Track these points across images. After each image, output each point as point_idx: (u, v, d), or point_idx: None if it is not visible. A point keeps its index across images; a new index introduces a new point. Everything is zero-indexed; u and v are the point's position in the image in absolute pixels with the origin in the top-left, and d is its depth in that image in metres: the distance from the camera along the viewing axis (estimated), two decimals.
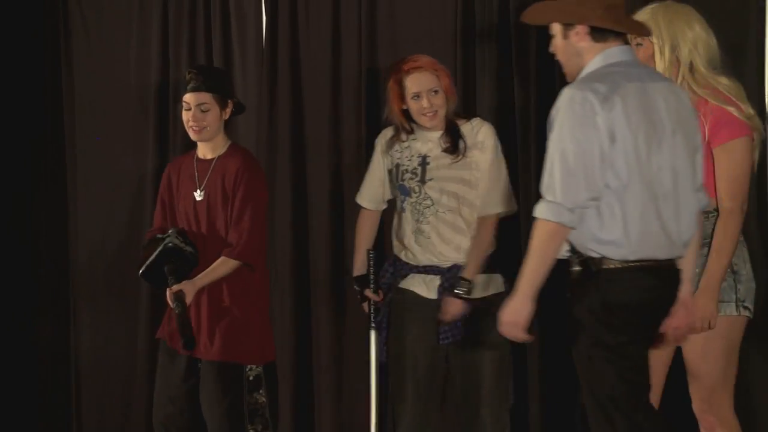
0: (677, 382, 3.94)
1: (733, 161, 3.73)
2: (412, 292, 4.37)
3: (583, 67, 3.46)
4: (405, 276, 4.39)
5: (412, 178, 4.34)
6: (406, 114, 4.31)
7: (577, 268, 3.44)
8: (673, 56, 3.75)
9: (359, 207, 4.55)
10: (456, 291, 4.26)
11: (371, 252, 4.50)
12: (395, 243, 4.45)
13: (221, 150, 4.47)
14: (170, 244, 4.32)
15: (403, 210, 4.38)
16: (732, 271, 3.78)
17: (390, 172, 4.43)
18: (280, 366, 5.41)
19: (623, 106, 3.33)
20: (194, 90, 4.37)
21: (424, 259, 4.33)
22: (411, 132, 4.36)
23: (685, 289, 3.53)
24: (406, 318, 4.37)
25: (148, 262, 4.35)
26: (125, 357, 5.71)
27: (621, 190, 3.34)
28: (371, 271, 4.48)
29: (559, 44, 3.51)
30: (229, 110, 4.46)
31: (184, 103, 4.41)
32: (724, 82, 3.77)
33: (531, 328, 3.45)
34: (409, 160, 4.36)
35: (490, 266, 4.35)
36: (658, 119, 3.39)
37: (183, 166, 4.53)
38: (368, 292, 4.48)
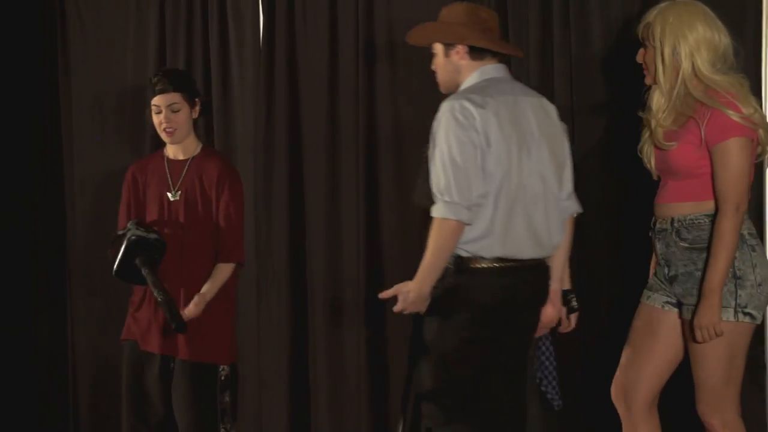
0: (684, 384, 3.92)
1: (726, 163, 3.70)
2: None
3: (461, 83, 3.87)
4: None
5: None
6: None
7: (449, 265, 3.73)
8: (673, 59, 3.75)
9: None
10: (572, 306, 4.10)
11: None
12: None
13: (194, 151, 4.53)
14: (133, 237, 4.33)
15: None
16: (733, 276, 3.73)
17: None
18: (277, 368, 5.42)
19: (496, 116, 3.70)
20: (163, 92, 4.42)
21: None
22: None
23: (553, 287, 3.93)
24: None
25: (117, 261, 4.37)
26: (122, 358, 5.70)
27: (492, 193, 3.69)
28: None
29: (440, 62, 3.91)
30: (197, 109, 4.52)
31: (153, 107, 4.46)
32: (724, 82, 3.72)
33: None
34: None
35: None
36: (527, 129, 3.77)
37: (150, 167, 4.56)
38: None
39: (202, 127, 5.49)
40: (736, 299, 3.73)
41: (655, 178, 3.91)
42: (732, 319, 3.73)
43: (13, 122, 5.77)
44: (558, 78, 4.81)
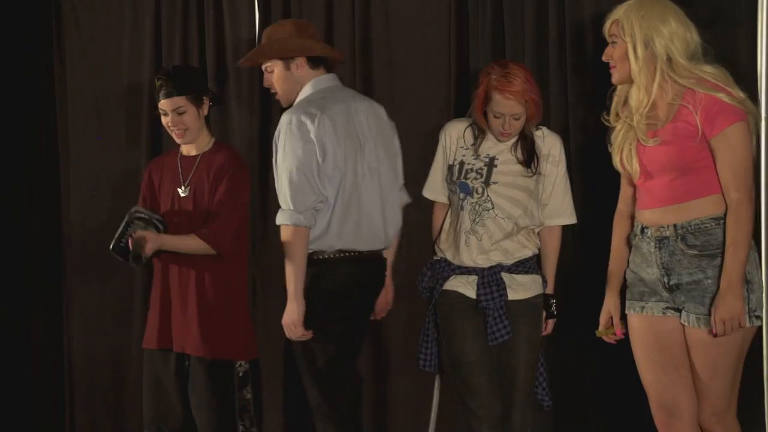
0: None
1: (734, 149, 3.57)
2: (456, 292, 4.33)
3: (299, 94, 4.23)
4: (447, 278, 4.34)
5: (476, 178, 4.29)
6: (485, 115, 4.26)
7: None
8: (648, 52, 3.62)
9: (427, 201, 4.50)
10: (551, 311, 4.38)
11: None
12: (443, 240, 4.39)
13: (206, 147, 4.54)
14: (137, 214, 4.41)
15: (461, 209, 4.32)
16: (745, 280, 3.60)
17: (451, 167, 4.36)
18: (273, 367, 5.40)
19: (332, 125, 4.11)
20: (167, 96, 4.43)
21: (468, 260, 4.30)
22: (484, 132, 4.31)
23: (388, 275, 4.42)
24: (456, 319, 4.32)
25: (118, 234, 4.40)
26: (118, 356, 5.71)
27: (331, 195, 4.13)
28: None
29: (280, 77, 4.25)
30: (206, 106, 4.52)
31: (160, 110, 4.48)
32: (708, 70, 3.62)
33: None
34: (475, 159, 4.30)
35: (532, 267, 4.36)
36: (361, 132, 4.22)
37: (166, 164, 4.59)
38: None
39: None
40: (748, 303, 3.61)
41: (635, 180, 3.76)
42: (748, 324, 3.61)
43: (9, 120, 5.76)
44: (553, 78, 4.82)
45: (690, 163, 3.62)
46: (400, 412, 5.37)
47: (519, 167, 4.27)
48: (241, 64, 4.48)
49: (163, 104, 4.45)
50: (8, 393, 5.76)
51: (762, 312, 3.64)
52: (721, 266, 3.58)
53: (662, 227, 3.68)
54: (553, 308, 4.39)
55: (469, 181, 4.29)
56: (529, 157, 4.27)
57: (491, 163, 4.28)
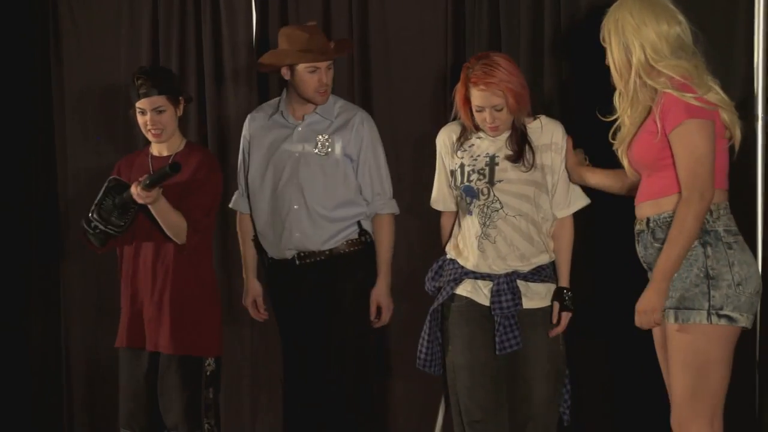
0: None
1: (684, 146, 3.55)
2: (467, 298, 4.19)
3: None
4: (458, 281, 4.21)
5: (480, 179, 4.16)
6: (472, 113, 4.17)
7: None
8: (625, 56, 3.65)
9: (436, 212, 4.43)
10: (566, 304, 4.18)
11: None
12: (453, 246, 4.27)
13: (178, 148, 4.59)
14: (113, 182, 4.43)
15: (469, 213, 4.19)
16: (706, 276, 3.54)
17: (453, 173, 4.26)
18: (272, 366, 5.40)
19: None
20: (147, 95, 4.46)
21: (483, 266, 4.16)
22: (477, 130, 4.21)
23: None
24: (462, 326, 4.19)
25: (96, 200, 4.43)
26: (116, 353, 5.68)
27: None
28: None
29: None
30: (181, 107, 4.56)
31: (138, 109, 4.50)
32: (677, 66, 3.60)
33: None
34: (475, 160, 4.19)
35: (549, 276, 4.21)
36: None
37: (136, 163, 4.62)
38: None
39: (195, 124, 5.50)
40: (709, 300, 3.54)
41: (632, 177, 3.82)
42: (705, 321, 3.53)
43: (6, 119, 5.77)
44: (546, 73, 4.82)
45: (656, 160, 3.64)
46: (401, 414, 5.35)
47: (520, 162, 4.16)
48: (339, 54, 4.69)
49: (143, 103, 4.48)
50: (6, 391, 5.77)
51: (731, 311, 3.54)
52: (689, 260, 3.58)
53: (640, 221, 3.73)
54: (568, 301, 4.18)
55: (472, 184, 4.17)
56: (520, 150, 4.13)
57: (492, 162, 4.16)
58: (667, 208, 3.63)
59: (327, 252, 4.61)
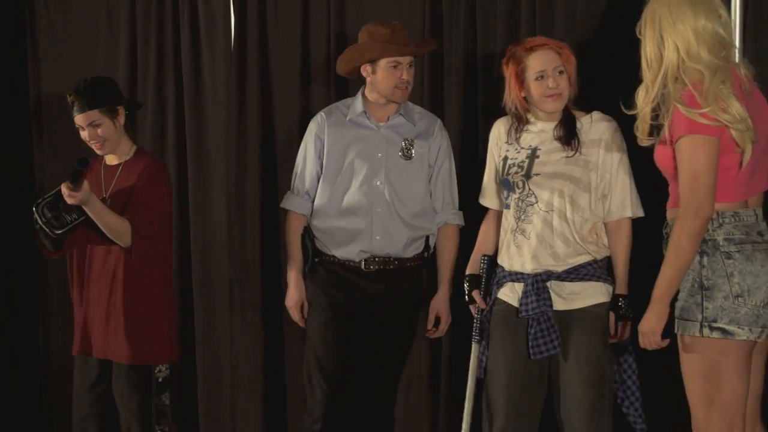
0: None
1: (681, 161, 3.43)
2: (505, 303, 4.11)
3: None
4: (501, 285, 4.12)
5: (517, 173, 4.05)
6: (525, 102, 4.05)
7: None
8: (658, 52, 3.52)
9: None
10: (621, 313, 3.98)
11: (486, 257, 4.26)
12: (499, 247, 4.17)
13: (127, 155, 4.58)
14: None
15: (507, 207, 4.10)
16: (700, 287, 3.44)
17: (497, 165, 4.17)
18: (252, 370, 5.38)
19: None
20: (80, 111, 4.46)
21: (518, 264, 4.04)
22: (527, 122, 4.09)
23: None
24: (498, 332, 4.09)
25: (49, 194, 4.41)
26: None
27: None
28: (483, 277, 4.24)
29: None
30: (122, 116, 4.53)
31: (77, 125, 4.51)
32: (696, 72, 3.45)
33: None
34: (518, 152, 4.08)
35: (591, 273, 4.01)
36: None
37: (93, 170, 4.59)
38: (476, 294, 4.24)
39: (174, 129, 5.46)
40: (702, 312, 3.44)
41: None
42: (697, 334, 3.44)
43: None
44: None
45: (670, 168, 3.54)
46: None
47: (562, 154, 3.99)
48: (421, 51, 4.61)
49: (78, 119, 4.49)
50: None
51: (726, 324, 3.42)
52: (692, 270, 3.48)
53: (666, 224, 3.64)
54: (623, 310, 3.97)
55: (510, 177, 4.06)
56: (569, 135, 3.98)
57: (533, 155, 4.03)
58: (675, 217, 3.53)
59: (396, 261, 4.50)
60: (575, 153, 3.98)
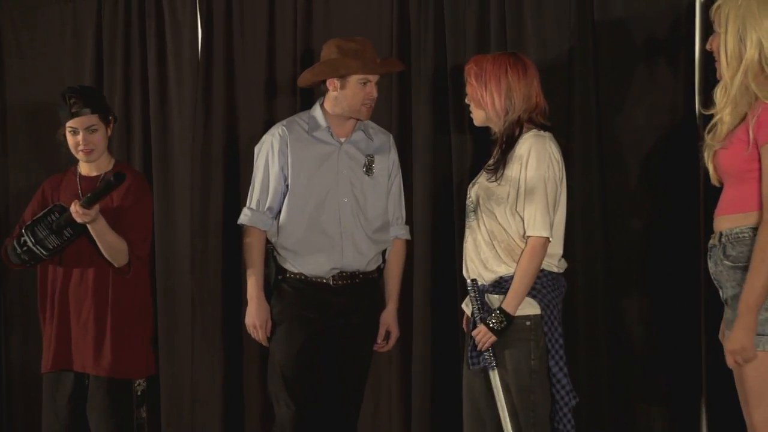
0: None
1: None
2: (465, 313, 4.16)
3: None
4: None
5: (471, 180, 4.19)
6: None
7: None
8: (739, 47, 3.29)
9: None
10: (487, 322, 3.90)
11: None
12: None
13: (107, 167, 4.55)
14: (57, 207, 4.35)
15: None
16: None
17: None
18: (211, 383, 5.36)
19: None
20: (79, 114, 4.42)
21: (464, 269, 4.08)
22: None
23: None
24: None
25: (35, 218, 4.35)
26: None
27: None
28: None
29: None
30: (111, 127, 4.53)
31: (69, 128, 4.45)
32: None
33: None
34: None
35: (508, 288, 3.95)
36: None
37: (63, 183, 4.57)
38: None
39: (140, 142, 5.46)
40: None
41: (715, 183, 3.47)
42: (760, 348, 3.23)
43: None
44: None
45: (743, 171, 3.32)
46: None
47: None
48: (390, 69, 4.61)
49: (75, 122, 4.43)
50: None
51: None
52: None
53: (714, 236, 3.43)
54: (491, 322, 3.88)
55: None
56: (498, 158, 4.00)
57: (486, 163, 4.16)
58: (741, 224, 3.32)
59: (361, 275, 4.50)
60: (497, 175, 3.98)
